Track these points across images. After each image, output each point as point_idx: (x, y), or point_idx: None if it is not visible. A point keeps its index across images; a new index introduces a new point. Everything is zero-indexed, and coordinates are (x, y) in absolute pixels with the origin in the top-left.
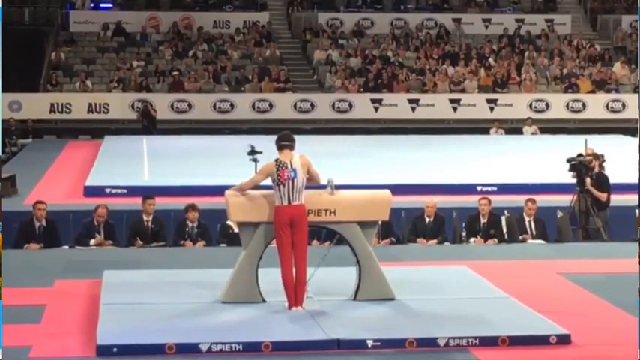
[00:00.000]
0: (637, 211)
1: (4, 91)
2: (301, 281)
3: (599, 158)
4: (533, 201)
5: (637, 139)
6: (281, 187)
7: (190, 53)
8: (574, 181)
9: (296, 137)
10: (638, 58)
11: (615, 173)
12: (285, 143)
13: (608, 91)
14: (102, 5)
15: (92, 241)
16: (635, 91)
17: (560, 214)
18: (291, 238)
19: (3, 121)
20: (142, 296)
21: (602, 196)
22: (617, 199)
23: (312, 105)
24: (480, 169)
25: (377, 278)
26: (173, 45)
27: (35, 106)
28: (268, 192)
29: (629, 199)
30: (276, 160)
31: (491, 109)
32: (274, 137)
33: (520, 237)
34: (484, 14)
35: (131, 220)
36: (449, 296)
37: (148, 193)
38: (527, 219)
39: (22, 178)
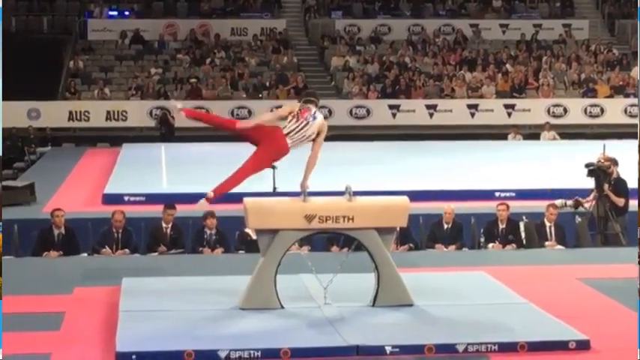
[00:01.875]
0: (638, 212)
1: (22, 99)
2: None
3: (617, 163)
4: (555, 206)
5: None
6: (294, 121)
7: (208, 60)
8: (592, 186)
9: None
10: (638, 58)
11: (633, 178)
12: (311, 99)
13: (627, 95)
14: (116, 13)
15: (102, 251)
16: None
17: (578, 219)
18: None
19: (22, 129)
20: (160, 303)
21: (620, 201)
22: (636, 204)
23: (330, 111)
24: (498, 174)
25: (395, 284)
26: (191, 52)
27: (54, 114)
28: (286, 199)
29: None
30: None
31: (509, 114)
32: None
33: (545, 243)
34: (501, 20)
35: (150, 228)
36: (467, 302)
37: (167, 200)
38: (548, 224)
39: (41, 185)
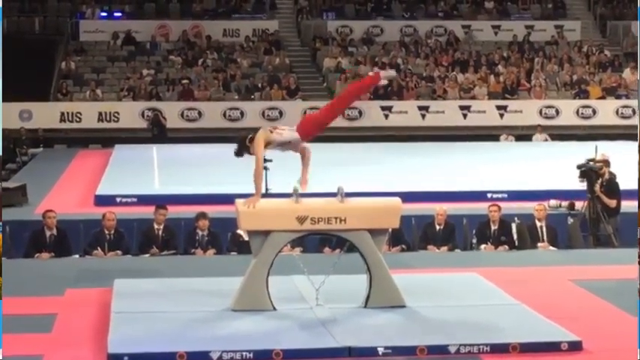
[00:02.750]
0: (638, 213)
1: (14, 100)
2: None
3: (609, 164)
4: (540, 203)
5: (637, 144)
6: (279, 130)
7: (200, 62)
8: (584, 187)
9: (305, 145)
10: (638, 61)
11: (626, 179)
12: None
13: (618, 97)
14: (108, 14)
15: (94, 253)
16: None
17: (570, 220)
18: None
19: (14, 130)
20: (152, 305)
21: (612, 203)
22: (628, 205)
23: None
24: (490, 175)
25: (387, 286)
26: (183, 53)
27: (45, 115)
28: (279, 200)
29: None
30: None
31: (501, 115)
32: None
33: (538, 245)
34: (493, 21)
35: (142, 229)
36: (459, 303)
37: (159, 201)
38: (539, 224)
39: (33, 187)
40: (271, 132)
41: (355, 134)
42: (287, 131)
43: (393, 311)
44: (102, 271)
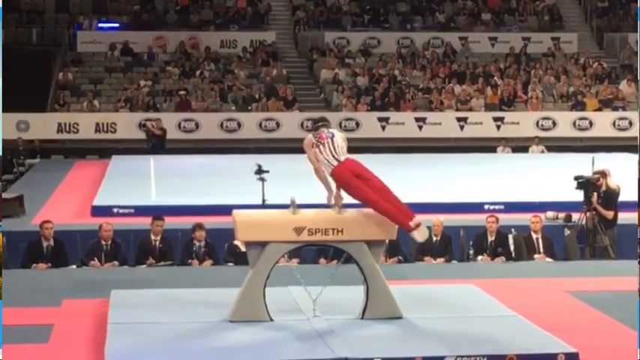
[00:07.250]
0: (637, 218)
1: (11, 111)
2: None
3: (607, 176)
4: (536, 215)
5: (637, 156)
6: (321, 147)
7: (197, 73)
8: (581, 198)
9: (303, 157)
10: (639, 73)
11: (623, 191)
12: (322, 123)
13: (615, 109)
14: (109, 25)
15: (91, 263)
16: None
17: (567, 232)
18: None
19: (11, 141)
20: (149, 316)
21: (609, 214)
22: (625, 217)
23: None
24: (487, 187)
25: (384, 297)
26: (180, 64)
27: (43, 126)
28: (276, 211)
29: (637, 217)
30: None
31: (498, 127)
32: (281, 156)
33: (535, 256)
34: (490, 33)
35: (139, 240)
36: (456, 315)
37: (156, 212)
38: (534, 235)
39: (30, 197)
40: (315, 145)
41: (352, 145)
42: (324, 156)
43: (389, 322)
44: (99, 281)
